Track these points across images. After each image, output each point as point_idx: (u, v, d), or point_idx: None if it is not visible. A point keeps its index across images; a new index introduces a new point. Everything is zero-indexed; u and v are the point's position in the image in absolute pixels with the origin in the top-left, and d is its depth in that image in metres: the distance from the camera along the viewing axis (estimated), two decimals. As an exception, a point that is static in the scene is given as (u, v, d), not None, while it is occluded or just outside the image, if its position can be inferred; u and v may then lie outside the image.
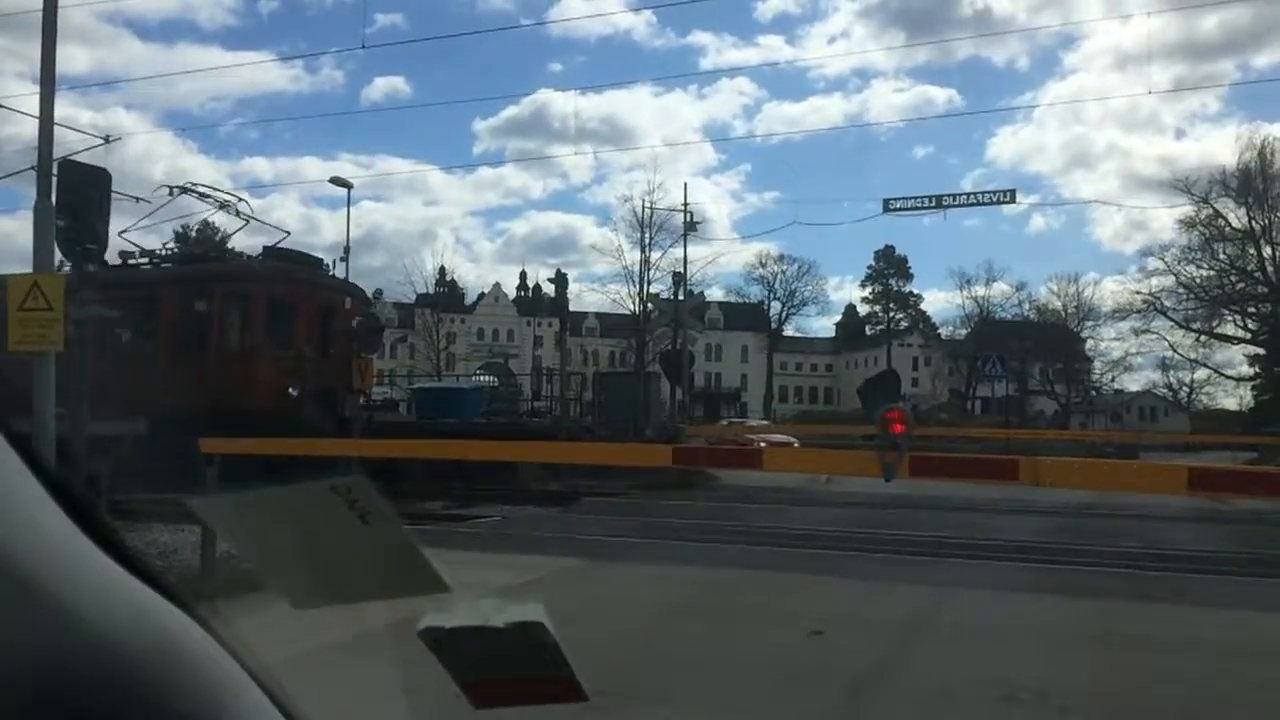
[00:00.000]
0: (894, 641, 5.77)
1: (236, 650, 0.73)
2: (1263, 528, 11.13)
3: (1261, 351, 41.87)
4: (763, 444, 24.18)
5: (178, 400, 16.04)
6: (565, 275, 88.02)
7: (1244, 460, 37.50)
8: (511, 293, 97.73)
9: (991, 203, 19.05)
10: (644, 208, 43.91)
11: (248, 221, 20.78)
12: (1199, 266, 39.48)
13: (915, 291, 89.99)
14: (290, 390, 17.52)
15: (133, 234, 19.88)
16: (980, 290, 70.50)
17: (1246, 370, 47.37)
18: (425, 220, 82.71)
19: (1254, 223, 36.02)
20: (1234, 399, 56.12)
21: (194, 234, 55.16)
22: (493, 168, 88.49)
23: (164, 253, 21.17)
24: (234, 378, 17.31)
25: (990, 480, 7.93)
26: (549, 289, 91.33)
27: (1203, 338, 43.01)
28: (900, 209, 20.75)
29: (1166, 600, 6.97)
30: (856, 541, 10.29)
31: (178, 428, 13.04)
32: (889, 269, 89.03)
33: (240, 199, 21.02)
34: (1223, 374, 50.00)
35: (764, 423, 42.43)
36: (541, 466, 17.12)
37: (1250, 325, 40.56)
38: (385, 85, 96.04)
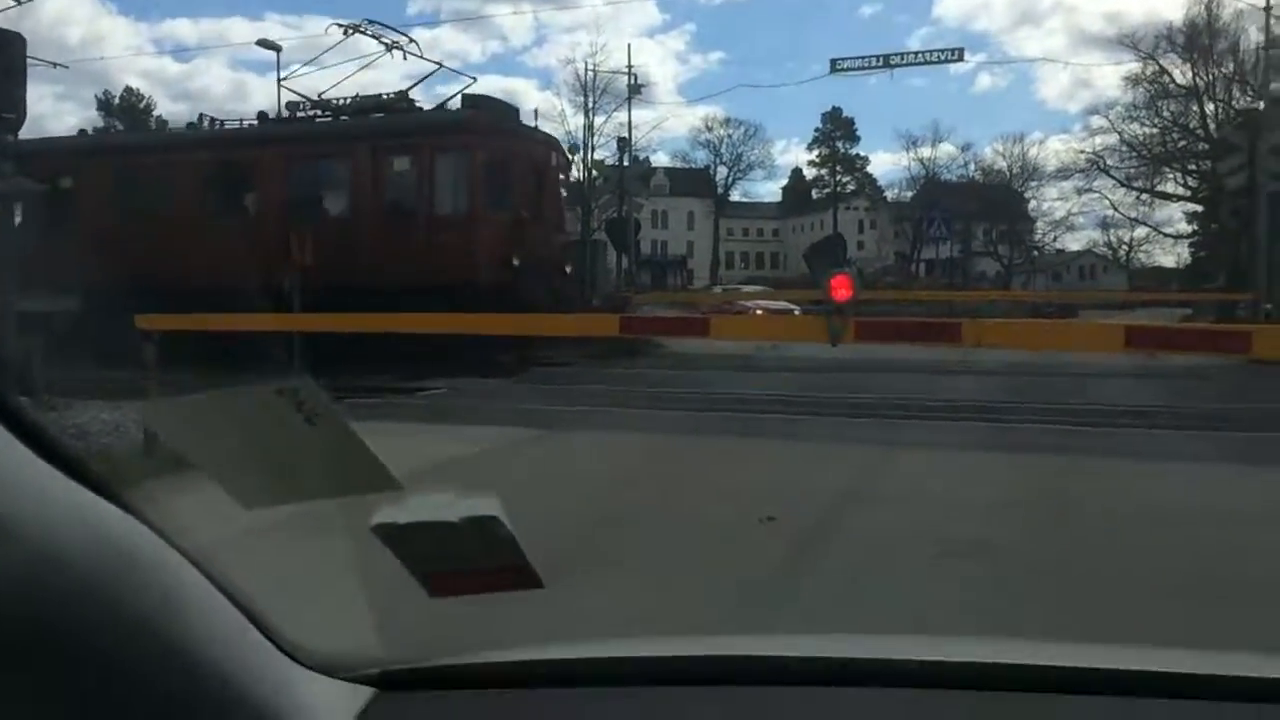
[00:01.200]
0: (835, 502, 5.89)
1: (182, 546, 0.72)
2: (1194, 381, 11.44)
3: (1200, 209, 42.36)
4: (759, 311, 24.14)
5: (374, 274, 14.61)
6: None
7: (1179, 317, 38.51)
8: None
9: (939, 62, 18.94)
10: (586, 70, 42.74)
11: (439, 66, 19.14)
12: (1143, 124, 39.61)
13: (862, 154, 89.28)
14: (514, 261, 15.56)
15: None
16: (926, 152, 70.29)
17: (1185, 228, 48.08)
18: (360, 85, 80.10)
19: (1198, 79, 36.02)
20: (1172, 256, 57.13)
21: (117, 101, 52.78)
22: (429, 29, 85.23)
23: (338, 104, 18.21)
24: (449, 248, 15.30)
25: (935, 343, 8.03)
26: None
27: (1144, 196, 43.47)
28: (847, 69, 20.49)
29: (1099, 454, 7.18)
30: (800, 405, 10.43)
31: (378, 304, 11.95)
32: (836, 131, 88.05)
33: (410, 39, 19.20)
34: (1161, 232, 50.72)
35: (756, 288, 40.93)
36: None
37: (1190, 183, 40.95)
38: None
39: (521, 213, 16.10)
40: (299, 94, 18.11)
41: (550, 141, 19.14)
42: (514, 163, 16.58)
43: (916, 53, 25.50)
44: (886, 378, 12.73)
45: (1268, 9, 22.81)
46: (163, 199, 17.34)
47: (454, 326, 9.47)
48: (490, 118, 16.94)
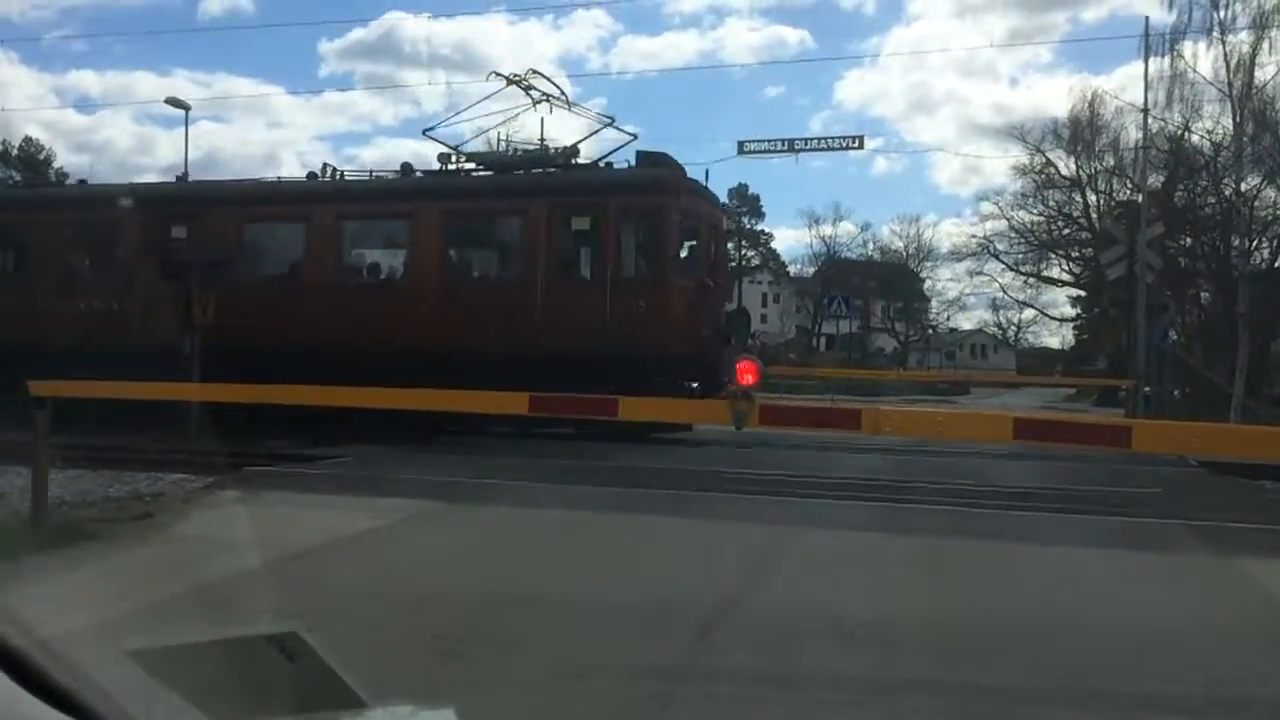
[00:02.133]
0: (738, 579, 6.02)
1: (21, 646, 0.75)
2: (1077, 464, 11.93)
3: (1082, 293, 44.34)
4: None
5: (546, 341, 13.77)
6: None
7: (1064, 397, 40.02)
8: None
9: (840, 148, 19.76)
10: (499, 140, 43.00)
11: (611, 121, 17.74)
12: (1029, 212, 41.46)
13: (767, 230, 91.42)
14: (703, 330, 14.55)
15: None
16: (828, 230, 72.43)
17: (1069, 311, 50.32)
18: (268, 143, 79.20)
19: (1081, 171, 37.91)
20: (1057, 338, 59.68)
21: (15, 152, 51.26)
22: (341, 91, 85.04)
23: (500, 153, 17.24)
24: (637, 315, 14.03)
25: (836, 429, 8.28)
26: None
27: (1031, 280, 45.37)
28: (754, 151, 21.09)
29: (993, 537, 7.46)
30: (702, 480, 10.58)
31: (550, 373, 11.34)
32: (742, 207, 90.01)
33: (561, 93, 17.94)
34: (1047, 314, 53.04)
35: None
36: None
37: (1073, 269, 42.88)
38: (226, 0, 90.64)
39: (705, 278, 15.33)
40: (448, 145, 16.75)
41: (717, 200, 18.13)
42: (699, 224, 15.78)
43: (820, 138, 26.45)
44: (789, 454, 13.02)
45: (1145, 110, 24.31)
46: (292, 256, 16.46)
47: (369, 402, 9.39)
48: (683, 176, 15.90)
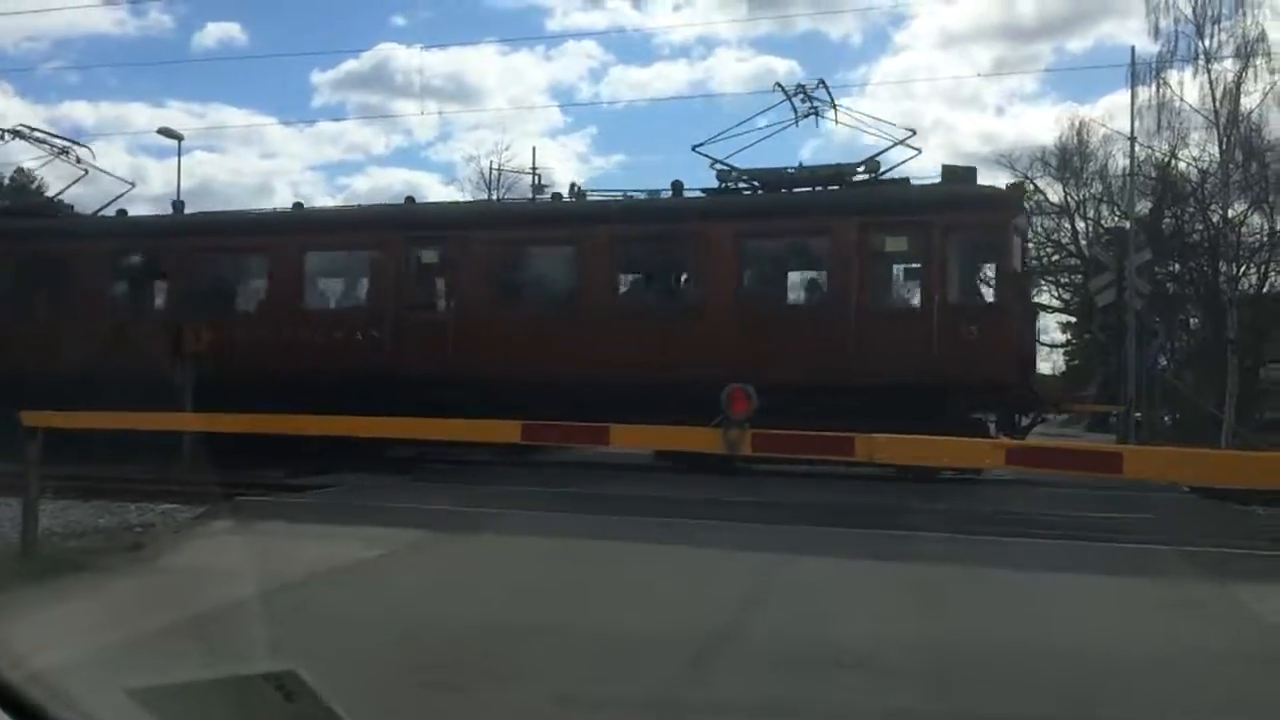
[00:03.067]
0: (731, 608, 6.00)
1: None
2: (1068, 489, 11.94)
3: (1073, 319, 44.52)
4: None
5: (858, 369, 12.82)
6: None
7: (1057, 424, 40.03)
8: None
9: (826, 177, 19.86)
10: (491, 168, 43.28)
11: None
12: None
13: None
14: (1034, 356, 13.75)
15: None
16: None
17: (1060, 337, 50.48)
18: (262, 173, 79.14)
19: (1069, 198, 38.12)
20: (1048, 364, 59.80)
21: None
22: (334, 122, 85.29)
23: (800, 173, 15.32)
24: (968, 342, 12.88)
25: (832, 455, 8.24)
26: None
27: (1022, 306, 45.59)
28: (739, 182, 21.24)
29: (986, 563, 7.46)
30: (699, 508, 10.55)
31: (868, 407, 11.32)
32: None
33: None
34: (1039, 341, 53.13)
35: None
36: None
37: (1063, 295, 43.06)
38: (219, 32, 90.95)
39: (1031, 301, 14.56)
40: (725, 163, 15.35)
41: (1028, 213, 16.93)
42: (1025, 243, 14.58)
43: (809, 166, 26.65)
44: (781, 482, 12.99)
45: (1132, 138, 24.50)
46: (561, 282, 15.46)
47: (355, 430, 9.39)
48: (1018, 192, 14.76)
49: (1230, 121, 30.05)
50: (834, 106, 15.91)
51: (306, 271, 16.32)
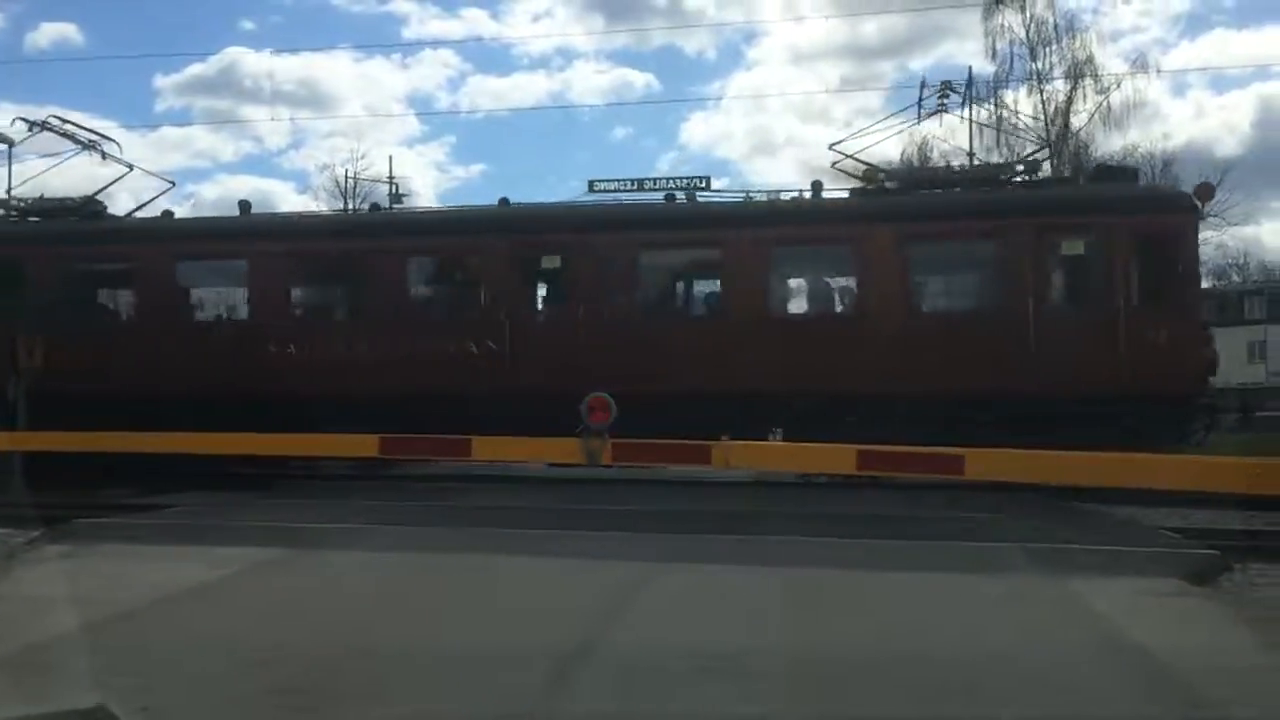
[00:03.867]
0: (597, 620, 5.99)
1: None
2: (921, 491, 12.36)
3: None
4: None
5: (1039, 380, 12.24)
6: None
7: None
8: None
9: (689, 187, 20.11)
10: (346, 177, 42.37)
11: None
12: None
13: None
14: (1216, 367, 12.95)
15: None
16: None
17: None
18: (102, 179, 75.53)
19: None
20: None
21: None
22: (179, 127, 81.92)
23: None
24: (1154, 353, 12.31)
25: (689, 463, 8.32)
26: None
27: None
28: (604, 190, 21.36)
29: (843, 565, 7.65)
30: (567, 518, 10.52)
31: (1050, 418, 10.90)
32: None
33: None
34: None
35: None
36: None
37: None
38: (54, 32, 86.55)
39: (1205, 309, 13.96)
40: (856, 158, 14.98)
41: None
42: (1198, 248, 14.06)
43: (668, 177, 27.00)
44: (647, 489, 13.06)
45: (970, 154, 25.70)
46: (706, 287, 14.73)
47: (200, 447, 9.01)
48: (1205, 193, 14.27)
49: (1061, 139, 31.83)
50: (942, 108, 15.98)
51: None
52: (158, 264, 15.28)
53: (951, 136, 35.44)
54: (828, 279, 14.84)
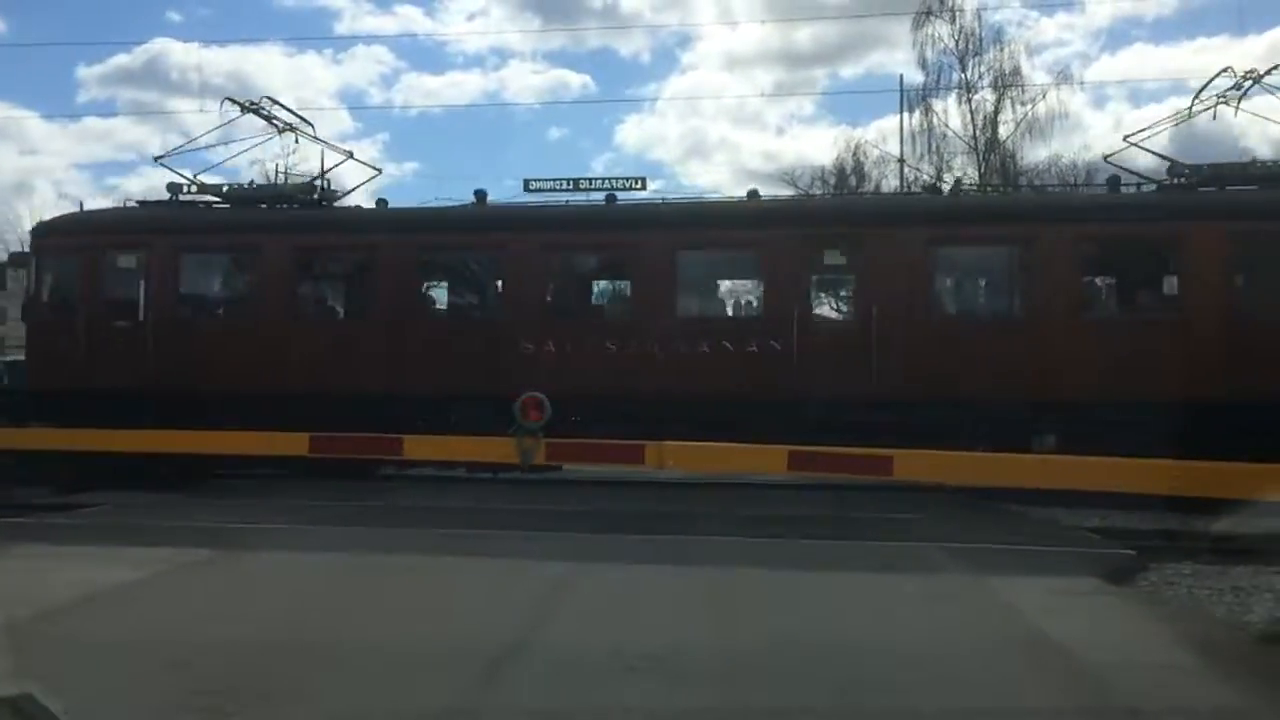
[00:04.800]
0: (526, 619, 6.00)
1: None
2: (846, 492, 12.54)
3: (854, 330, 46.67)
4: None
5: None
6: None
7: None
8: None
9: (623, 188, 20.11)
10: (277, 171, 41.71)
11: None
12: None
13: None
14: None
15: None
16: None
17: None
18: (20, 171, 73.32)
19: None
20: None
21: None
22: (103, 119, 79.86)
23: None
24: None
25: (623, 463, 8.33)
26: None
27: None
28: (540, 189, 21.25)
29: (771, 565, 7.76)
30: (496, 518, 10.50)
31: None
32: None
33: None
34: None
35: None
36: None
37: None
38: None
39: None
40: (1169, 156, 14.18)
41: None
42: None
43: (604, 178, 27.03)
44: (574, 489, 13.06)
45: (901, 160, 26.14)
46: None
47: (132, 445, 8.81)
48: None
49: (989, 148, 32.51)
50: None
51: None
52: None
53: (883, 143, 35.99)
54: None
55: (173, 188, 15.54)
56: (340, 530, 9.38)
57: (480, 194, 14.91)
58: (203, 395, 13.19)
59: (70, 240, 14.84)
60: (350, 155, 16.63)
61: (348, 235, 14.90)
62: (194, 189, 15.49)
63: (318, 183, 16.07)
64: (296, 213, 15.26)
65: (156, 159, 18.12)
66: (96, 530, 9.57)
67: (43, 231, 15.66)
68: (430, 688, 4.65)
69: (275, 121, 16.03)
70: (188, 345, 13.83)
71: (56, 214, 16.27)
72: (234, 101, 15.73)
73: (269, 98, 16.12)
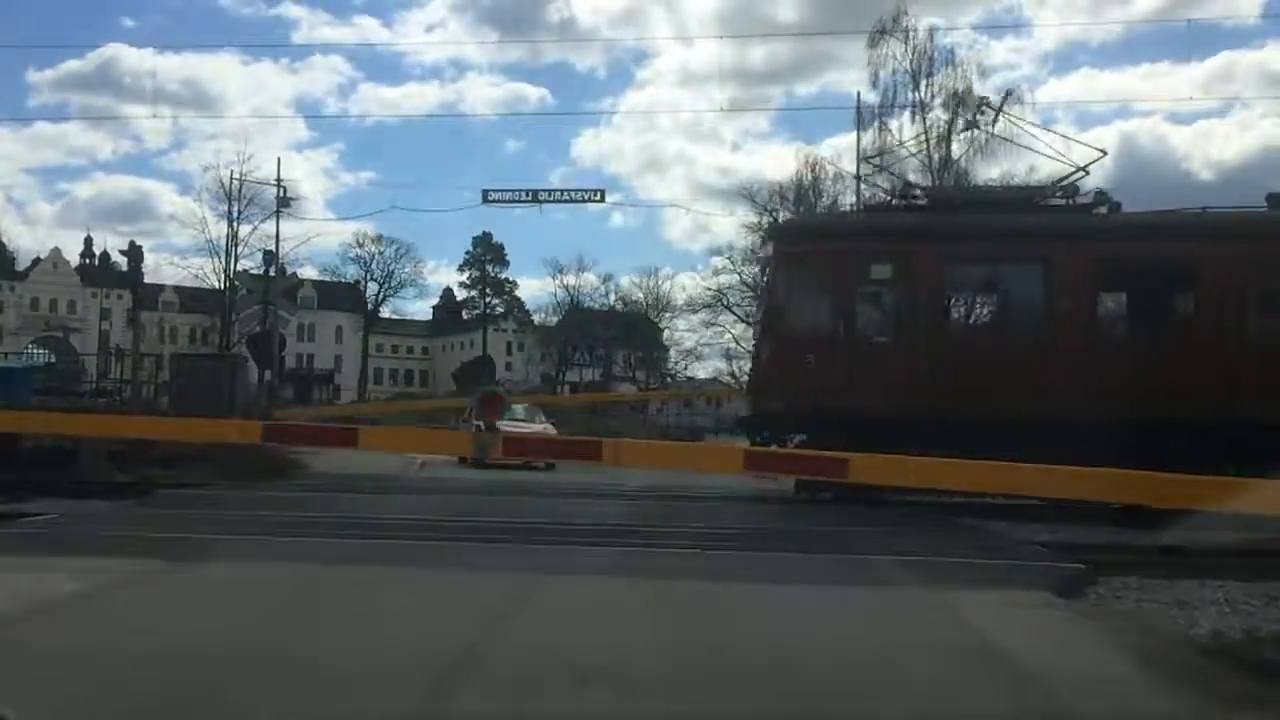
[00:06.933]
0: (478, 633, 5.95)
1: None
2: (798, 505, 12.62)
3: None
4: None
5: None
6: (140, 246, 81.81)
7: (797, 442, 42.21)
8: (75, 260, 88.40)
9: (582, 200, 20.17)
10: (232, 179, 41.31)
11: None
12: (759, 266, 43.98)
13: (511, 278, 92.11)
14: None
15: None
16: (571, 279, 73.83)
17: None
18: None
19: (808, 230, 40.52)
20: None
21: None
22: (53, 123, 78.50)
23: None
24: None
25: (579, 459, 8.31)
26: (120, 259, 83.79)
27: (765, 330, 47.86)
28: (498, 201, 21.23)
29: (727, 577, 7.77)
30: (446, 530, 10.43)
31: None
32: (486, 255, 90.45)
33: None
34: (780, 365, 55.93)
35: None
36: (108, 456, 15.43)
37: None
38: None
39: None
40: None
41: None
42: None
43: (561, 190, 26.97)
44: (533, 500, 13.00)
45: (859, 177, 26.42)
46: None
47: (70, 429, 8.59)
48: None
49: (943, 165, 32.95)
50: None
51: None
52: None
53: (839, 160, 36.37)
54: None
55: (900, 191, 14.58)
56: (292, 541, 9.26)
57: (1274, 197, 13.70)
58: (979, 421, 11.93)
59: (824, 246, 13.66)
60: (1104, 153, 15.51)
61: (1162, 244, 13.53)
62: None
63: (1063, 184, 14.75)
64: (1094, 218, 14.08)
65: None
66: (39, 540, 9.34)
67: (790, 234, 14.66)
68: (380, 700, 4.59)
69: None
70: (965, 367, 12.78)
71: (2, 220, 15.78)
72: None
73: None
